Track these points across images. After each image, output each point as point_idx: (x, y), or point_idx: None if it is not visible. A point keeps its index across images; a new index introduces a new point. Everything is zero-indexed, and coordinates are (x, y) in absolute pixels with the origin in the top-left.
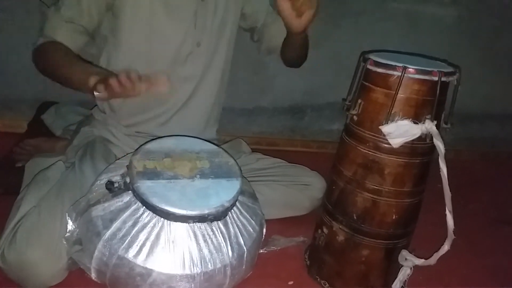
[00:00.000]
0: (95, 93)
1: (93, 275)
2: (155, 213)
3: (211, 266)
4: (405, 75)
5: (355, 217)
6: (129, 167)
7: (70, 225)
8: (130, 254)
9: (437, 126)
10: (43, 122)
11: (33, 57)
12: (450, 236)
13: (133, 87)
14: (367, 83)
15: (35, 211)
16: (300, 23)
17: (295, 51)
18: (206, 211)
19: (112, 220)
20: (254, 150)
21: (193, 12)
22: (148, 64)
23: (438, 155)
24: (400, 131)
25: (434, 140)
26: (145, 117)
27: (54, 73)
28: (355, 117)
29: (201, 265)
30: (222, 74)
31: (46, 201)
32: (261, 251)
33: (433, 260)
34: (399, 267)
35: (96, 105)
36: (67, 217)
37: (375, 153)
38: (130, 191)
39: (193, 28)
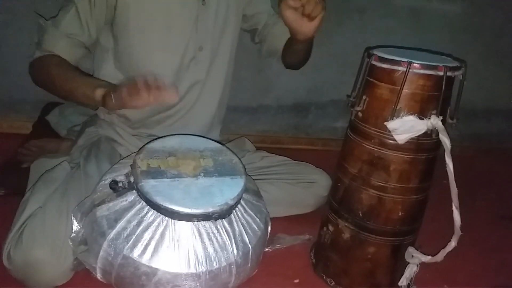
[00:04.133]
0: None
1: (99, 275)
2: (160, 212)
3: (216, 264)
4: (410, 70)
5: (360, 214)
6: (133, 166)
7: (76, 226)
8: (135, 253)
9: (443, 122)
10: (48, 123)
11: (30, 70)
12: (457, 232)
13: (145, 95)
14: (371, 79)
15: (40, 212)
16: (309, 30)
17: (298, 57)
18: (211, 209)
19: (116, 220)
20: (258, 148)
21: (194, 17)
22: (153, 71)
23: (444, 151)
24: (405, 127)
25: (440, 135)
26: (151, 121)
27: (55, 86)
28: (359, 114)
29: (206, 263)
30: (226, 76)
31: (51, 202)
32: (267, 249)
33: (440, 256)
34: (405, 264)
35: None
36: (73, 218)
37: (380, 150)
38: (134, 191)
39: (195, 33)
